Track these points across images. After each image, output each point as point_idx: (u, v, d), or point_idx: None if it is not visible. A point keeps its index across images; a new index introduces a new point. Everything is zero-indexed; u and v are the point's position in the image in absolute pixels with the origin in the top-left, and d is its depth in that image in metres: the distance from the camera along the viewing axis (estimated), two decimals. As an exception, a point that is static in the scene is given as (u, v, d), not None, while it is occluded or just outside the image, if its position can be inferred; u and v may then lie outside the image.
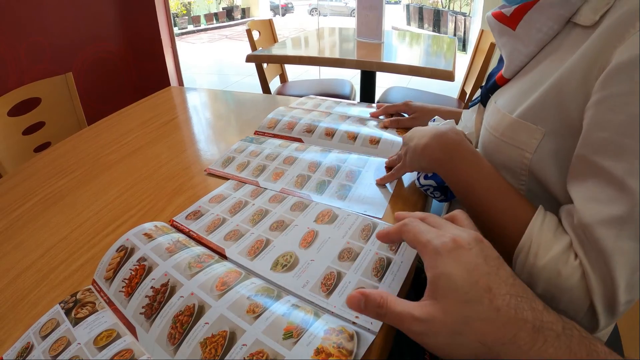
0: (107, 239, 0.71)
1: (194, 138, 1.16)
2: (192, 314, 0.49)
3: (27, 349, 0.51)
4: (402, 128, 1.07)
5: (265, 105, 1.32)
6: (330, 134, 1.03)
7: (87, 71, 2.17)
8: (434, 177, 0.74)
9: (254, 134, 1.11)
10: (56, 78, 1.75)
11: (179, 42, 2.70)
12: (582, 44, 0.55)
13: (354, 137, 1.00)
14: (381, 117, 1.14)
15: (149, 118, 1.27)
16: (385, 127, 1.06)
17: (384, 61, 2.04)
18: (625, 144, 0.48)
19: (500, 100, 0.69)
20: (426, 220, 0.51)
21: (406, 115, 1.11)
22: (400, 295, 0.54)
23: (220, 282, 0.53)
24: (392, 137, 0.99)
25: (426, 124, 1.03)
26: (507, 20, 0.66)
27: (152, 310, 0.51)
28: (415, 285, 0.82)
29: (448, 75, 1.84)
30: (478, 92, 0.82)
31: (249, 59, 2.12)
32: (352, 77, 2.63)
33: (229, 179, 0.88)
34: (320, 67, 4.45)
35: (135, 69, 2.50)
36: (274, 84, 2.65)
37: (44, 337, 0.52)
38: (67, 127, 1.75)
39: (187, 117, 1.31)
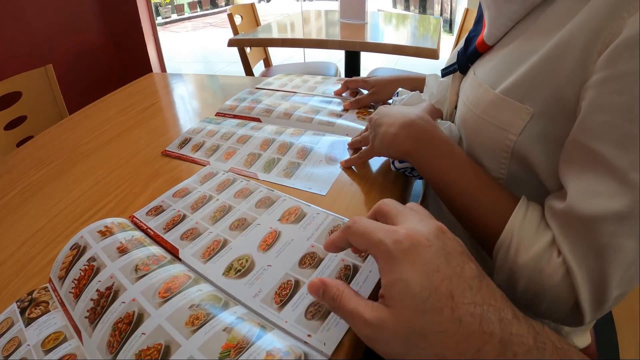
0: (83, 226, 0.69)
1: (174, 122, 1.15)
2: (131, 322, 0.46)
3: None
4: (364, 107, 1.04)
5: (248, 85, 1.30)
6: (288, 114, 1.02)
7: (67, 64, 2.13)
8: None
9: (215, 115, 1.10)
10: (36, 71, 1.71)
11: (163, 32, 2.67)
12: (576, 11, 0.48)
13: (310, 119, 0.99)
14: (344, 94, 1.14)
15: (129, 105, 1.25)
16: (346, 110, 1.03)
17: (368, 41, 2.02)
18: (630, 131, 0.42)
19: (480, 71, 0.63)
20: (382, 210, 0.44)
21: (365, 92, 1.08)
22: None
23: (164, 288, 0.50)
24: (347, 122, 0.97)
25: (387, 98, 1.03)
26: None
27: (95, 314, 0.49)
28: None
29: (432, 54, 1.82)
30: (451, 55, 0.75)
31: (231, 43, 2.09)
32: (339, 61, 2.61)
33: (184, 159, 0.89)
34: (305, 51, 4.41)
35: (117, 59, 2.47)
36: (258, 69, 2.62)
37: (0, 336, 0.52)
38: (49, 120, 1.71)
39: (168, 101, 1.30)
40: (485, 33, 0.63)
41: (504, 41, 0.61)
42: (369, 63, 2.50)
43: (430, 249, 0.36)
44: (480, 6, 0.69)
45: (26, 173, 0.91)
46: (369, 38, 2.10)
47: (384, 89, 1.03)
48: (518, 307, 0.41)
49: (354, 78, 1.12)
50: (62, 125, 1.16)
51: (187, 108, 1.24)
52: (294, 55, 5.19)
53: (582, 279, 0.46)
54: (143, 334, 0.45)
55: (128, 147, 0.99)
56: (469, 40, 0.70)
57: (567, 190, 0.48)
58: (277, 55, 2.86)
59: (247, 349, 0.42)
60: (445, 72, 0.75)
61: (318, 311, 0.48)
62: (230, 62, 5.85)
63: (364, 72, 2.50)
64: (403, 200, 0.75)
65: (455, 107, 0.74)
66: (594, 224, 0.44)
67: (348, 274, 0.53)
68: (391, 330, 0.35)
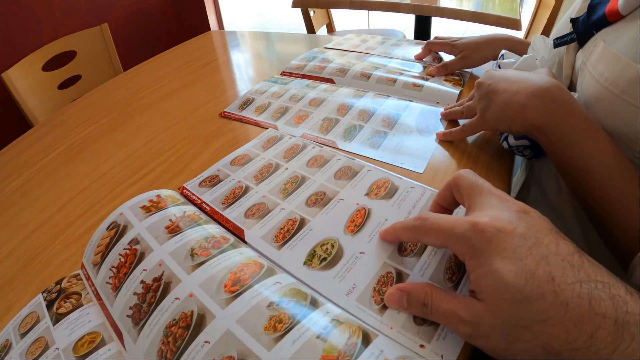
0: (131, 189, 0.63)
1: (236, 79, 1.05)
2: (189, 326, 0.35)
3: (6, 347, 0.42)
4: (450, 75, 0.89)
5: (309, 45, 1.20)
6: (366, 75, 0.87)
7: (124, 24, 2.06)
8: (528, 136, 0.58)
9: (280, 74, 0.99)
10: (91, 30, 1.70)
11: (220, -3, 2.58)
12: None
13: (393, 80, 0.84)
14: (426, 59, 0.99)
15: (187, 61, 1.17)
16: (431, 76, 0.88)
17: (444, 6, 1.84)
18: None
19: (614, 42, 0.51)
20: (460, 184, 0.41)
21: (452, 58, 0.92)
22: None
23: (232, 280, 0.38)
24: (437, 85, 0.82)
25: (478, 63, 0.90)
26: None
27: (140, 313, 0.38)
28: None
29: (514, 24, 1.65)
30: (560, 24, 0.64)
31: (295, 4, 1.98)
32: (405, 29, 2.44)
33: (246, 122, 0.77)
34: (370, 16, 4.23)
35: (175, 21, 2.39)
36: (321, 33, 2.49)
37: (23, 335, 0.42)
38: (104, 80, 1.66)
39: (227, 59, 1.20)
40: (621, 1, 0.51)
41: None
42: (435, 33, 2.31)
43: (516, 232, 0.33)
44: None
45: (75, 129, 0.85)
46: (442, 3, 1.92)
47: (475, 53, 0.88)
48: None
49: (437, 40, 0.96)
50: (116, 82, 1.10)
51: (249, 66, 1.13)
52: (356, 23, 4.99)
53: None
54: (207, 342, 0.33)
55: (186, 103, 0.90)
56: (592, 8, 0.58)
57: None
58: (339, 22, 2.72)
59: None
60: (561, 42, 0.62)
61: None
62: (289, 30, 5.72)
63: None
64: (508, 183, 0.62)
65: (571, 82, 0.63)
66: None
67: (459, 262, 0.42)
68: (490, 325, 0.32)
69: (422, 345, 0.35)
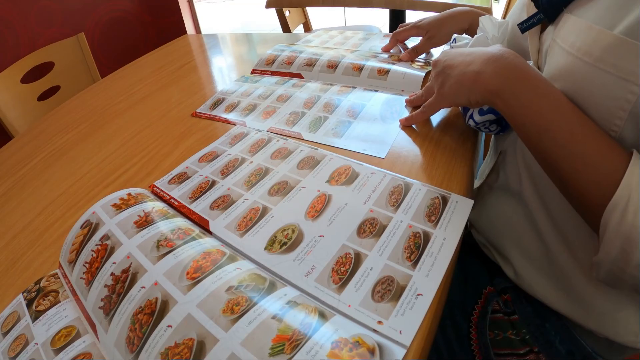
0: (105, 190, 0.65)
1: (209, 79, 1.06)
2: (154, 312, 0.37)
3: None
4: (422, 60, 0.90)
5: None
6: (332, 66, 0.89)
7: (101, 32, 2.07)
8: (493, 110, 0.58)
9: (251, 72, 1.00)
10: (68, 40, 1.69)
11: (198, 3, 2.58)
12: None
13: (359, 68, 0.86)
14: (393, 50, 1.00)
15: (162, 65, 1.18)
16: (401, 61, 0.89)
17: (416, -1, 1.87)
18: None
19: (583, 13, 0.50)
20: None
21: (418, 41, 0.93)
22: (444, 285, 0.41)
23: (194, 268, 0.40)
24: (403, 69, 0.83)
25: (446, 40, 0.90)
26: None
27: (110, 304, 0.40)
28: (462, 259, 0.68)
29: (487, 13, 1.67)
30: (514, 8, 0.65)
31: (269, 4, 1.99)
32: (382, 26, 2.46)
33: (216, 120, 0.80)
34: (346, 16, 4.25)
35: (152, 27, 2.39)
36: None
37: (5, 334, 0.44)
38: (82, 89, 1.68)
39: (203, 60, 1.22)
40: None
41: None
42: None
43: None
44: None
45: (53, 137, 0.87)
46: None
47: (440, 30, 0.89)
48: (631, 281, 0.40)
49: (402, 28, 0.98)
50: (93, 89, 1.12)
51: (223, 66, 1.15)
52: (333, 21, 5.00)
53: None
54: (169, 326, 0.35)
55: (159, 105, 0.92)
56: None
57: None
58: (317, 21, 2.73)
59: (306, 342, 0.33)
60: (528, 25, 0.60)
61: (388, 290, 0.39)
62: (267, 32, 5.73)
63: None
64: (472, 167, 0.63)
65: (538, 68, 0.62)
66: None
67: (418, 242, 0.44)
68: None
69: (380, 322, 0.36)
